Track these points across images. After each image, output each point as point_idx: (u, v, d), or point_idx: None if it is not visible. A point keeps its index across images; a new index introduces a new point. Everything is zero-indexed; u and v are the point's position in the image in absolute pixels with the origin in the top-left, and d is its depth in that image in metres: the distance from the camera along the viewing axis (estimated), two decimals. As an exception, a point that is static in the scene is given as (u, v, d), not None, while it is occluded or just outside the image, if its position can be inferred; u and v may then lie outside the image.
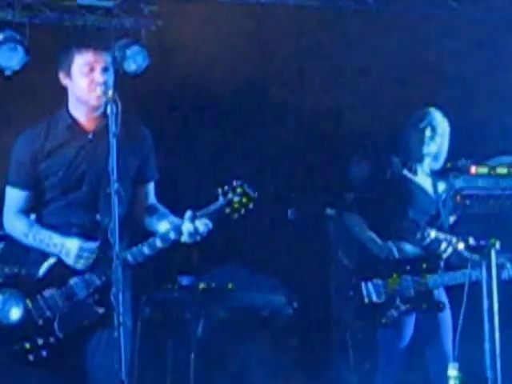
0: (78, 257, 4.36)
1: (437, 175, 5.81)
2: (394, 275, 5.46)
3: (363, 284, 5.58)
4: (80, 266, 4.39)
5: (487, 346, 4.69)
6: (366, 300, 5.56)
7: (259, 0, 7.84)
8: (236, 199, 4.39)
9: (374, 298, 5.53)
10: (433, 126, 5.71)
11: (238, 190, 4.42)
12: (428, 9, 8.15)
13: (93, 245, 4.32)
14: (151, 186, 4.72)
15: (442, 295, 5.66)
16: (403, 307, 5.57)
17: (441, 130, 5.71)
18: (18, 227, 4.59)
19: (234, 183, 4.41)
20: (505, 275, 5.29)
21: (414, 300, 5.58)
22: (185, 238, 4.27)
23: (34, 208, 4.63)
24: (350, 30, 7.76)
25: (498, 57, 7.52)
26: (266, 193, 4.98)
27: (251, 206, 4.39)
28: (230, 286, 6.64)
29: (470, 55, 7.57)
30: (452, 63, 7.55)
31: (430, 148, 5.63)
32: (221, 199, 4.35)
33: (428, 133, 5.64)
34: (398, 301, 5.55)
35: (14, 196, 4.61)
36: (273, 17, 7.76)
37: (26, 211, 4.61)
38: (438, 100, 6.09)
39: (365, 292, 5.58)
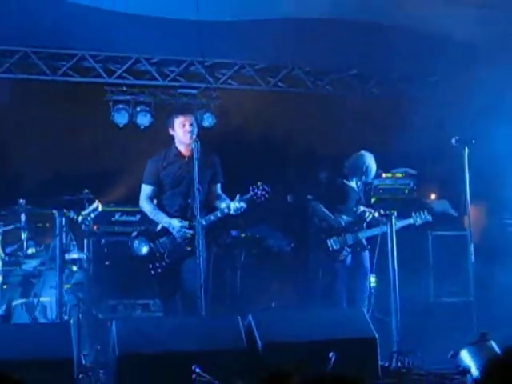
0: (177, 231, 7.27)
1: (368, 183, 9.16)
2: (342, 234, 8.59)
3: (328, 239, 8.60)
4: (178, 235, 7.29)
5: (390, 265, 7.32)
6: (330, 248, 8.59)
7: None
8: (259, 192, 7.03)
9: (334, 247, 8.58)
10: (369, 166, 8.85)
11: (260, 187, 7.06)
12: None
13: (185, 223, 7.22)
14: (219, 185, 7.61)
15: (364, 242, 8.65)
16: (348, 250, 8.59)
17: (373, 168, 8.88)
18: (146, 208, 7.52)
19: (258, 183, 7.07)
20: (397, 227, 7.63)
21: (352, 246, 8.61)
22: (232, 212, 7.13)
23: (156, 196, 7.54)
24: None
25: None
26: (276, 188, 7.63)
27: (267, 196, 7.06)
28: (257, 235, 10.03)
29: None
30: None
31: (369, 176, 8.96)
32: (251, 192, 7.02)
33: (367, 170, 8.83)
34: (345, 247, 8.57)
35: (146, 189, 7.52)
36: (291, 99, 11.96)
37: (151, 198, 7.51)
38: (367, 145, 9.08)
39: (328, 243, 8.59)
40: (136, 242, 7.45)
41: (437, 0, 9.36)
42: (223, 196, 7.49)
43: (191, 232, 7.13)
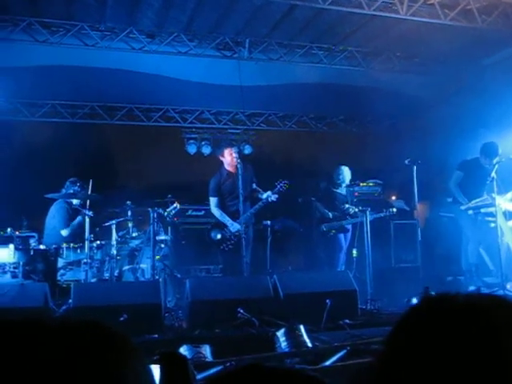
0: (232, 230, 7.24)
1: (348, 187, 8.80)
2: (333, 223, 8.42)
3: (323, 225, 8.46)
4: (231, 232, 7.27)
5: (366, 242, 7.24)
6: (321, 230, 8.50)
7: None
8: (282, 184, 7.23)
9: (324, 229, 8.44)
10: (343, 175, 8.65)
11: (283, 181, 7.25)
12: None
13: (239, 226, 7.11)
14: (254, 184, 7.45)
15: (349, 227, 8.47)
16: (333, 231, 8.42)
17: (348, 176, 8.68)
18: (216, 213, 7.44)
19: (281, 180, 7.28)
20: (371, 218, 7.56)
21: (339, 229, 8.46)
22: (270, 201, 7.22)
23: (220, 204, 7.44)
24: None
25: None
26: (292, 192, 7.72)
27: (288, 186, 7.23)
28: (279, 225, 9.50)
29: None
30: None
31: (343, 182, 8.70)
32: (277, 185, 7.26)
33: (342, 178, 8.65)
34: (334, 230, 8.42)
35: (213, 200, 7.48)
36: (300, 136, 11.84)
37: (217, 205, 7.45)
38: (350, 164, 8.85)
39: (323, 228, 8.46)
40: (212, 232, 7.51)
41: (393, 69, 9.40)
42: (259, 189, 7.46)
43: (242, 231, 7.14)
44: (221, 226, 7.43)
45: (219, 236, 7.37)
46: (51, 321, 0.81)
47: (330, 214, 8.51)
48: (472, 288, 7.40)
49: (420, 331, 0.92)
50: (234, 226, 7.24)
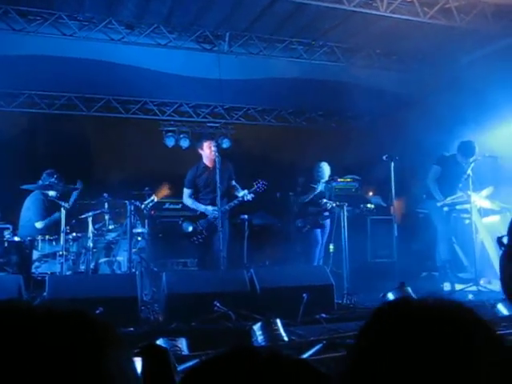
0: (211, 213, 7.18)
1: (326, 182, 8.60)
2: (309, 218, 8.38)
3: (298, 220, 8.54)
4: (211, 216, 7.16)
5: (342, 237, 7.25)
6: (297, 225, 8.53)
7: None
8: (260, 185, 7.19)
9: (299, 224, 8.49)
10: (323, 171, 8.51)
11: (261, 182, 7.22)
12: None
13: (215, 207, 7.06)
14: (233, 181, 7.39)
15: (328, 222, 8.45)
16: (313, 227, 8.37)
17: (327, 173, 8.52)
18: (188, 202, 7.50)
19: (259, 180, 7.24)
20: (347, 214, 7.45)
21: (314, 225, 8.39)
22: (246, 200, 7.18)
23: (194, 195, 7.42)
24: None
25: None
26: (271, 186, 7.55)
27: (265, 187, 7.20)
28: (257, 219, 9.65)
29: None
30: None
31: (322, 178, 8.52)
32: (255, 186, 7.21)
33: (321, 174, 8.50)
34: (309, 226, 8.34)
35: (187, 192, 7.46)
36: (279, 131, 11.89)
37: (190, 197, 7.44)
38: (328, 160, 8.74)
39: (298, 223, 8.50)
40: (184, 224, 7.48)
41: (372, 65, 9.46)
42: (238, 186, 7.43)
43: (217, 216, 7.12)
44: (193, 219, 7.42)
45: (190, 228, 7.36)
46: (38, 309, 0.82)
47: (310, 209, 8.51)
48: (446, 284, 7.51)
49: (390, 328, 0.95)
50: (208, 211, 7.27)
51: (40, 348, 0.75)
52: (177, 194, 8.35)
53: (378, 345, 0.93)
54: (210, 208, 7.25)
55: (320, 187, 8.61)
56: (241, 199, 7.26)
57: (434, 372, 0.88)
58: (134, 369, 0.88)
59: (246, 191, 7.25)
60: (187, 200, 7.51)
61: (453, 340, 0.91)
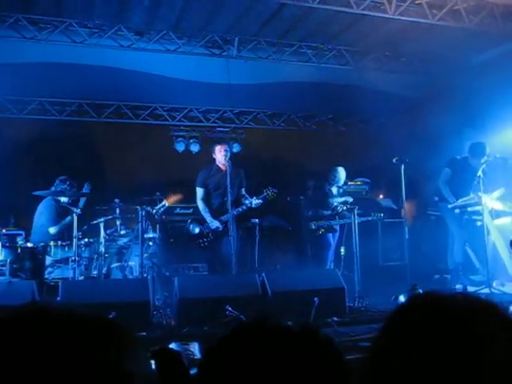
0: (214, 227, 7.20)
1: (340, 187, 8.68)
2: (322, 222, 8.32)
3: (311, 223, 8.35)
4: (210, 228, 7.25)
5: (354, 241, 7.18)
6: (310, 228, 8.35)
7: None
8: (269, 192, 7.20)
9: (313, 227, 8.29)
10: (339, 176, 8.60)
11: (271, 189, 7.21)
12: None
13: (218, 223, 7.17)
14: (243, 189, 7.46)
15: (337, 227, 8.44)
16: (327, 231, 8.36)
17: (343, 178, 8.65)
18: (201, 206, 7.45)
19: (270, 187, 7.25)
20: (359, 221, 7.48)
21: (328, 229, 8.36)
22: (253, 206, 7.18)
23: (206, 197, 7.41)
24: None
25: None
26: (281, 190, 7.57)
27: (275, 195, 7.22)
28: (267, 223, 9.48)
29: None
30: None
31: (337, 183, 8.64)
32: (264, 192, 7.22)
33: (337, 179, 8.60)
34: (323, 229, 8.32)
35: (199, 191, 7.42)
36: (289, 134, 11.88)
37: (203, 198, 7.39)
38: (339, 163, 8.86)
39: (312, 226, 8.33)
40: (191, 225, 7.47)
41: (381, 68, 9.45)
42: (246, 195, 7.42)
43: (220, 229, 7.19)
44: (200, 221, 7.42)
45: (197, 230, 7.37)
46: (60, 311, 0.85)
47: (324, 213, 8.50)
48: (458, 286, 7.48)
49: (408, 330, 0.96)
50: (212, 223, 7.25)
51: (64, 348, 0.78)
52: (188, 199, 8.40)
53: (407, 340, 0.94)
54: (215, 223, 7.25)
55: (334, 191, 8.65)
56: (249, 205, 7.26)
57: (468, 365, 0.90)
58: (152, 369, 0.90)
59: (254, 198, 7.28)
60: (200, 203, 7.48)
61: (488, 332, 0.93)
